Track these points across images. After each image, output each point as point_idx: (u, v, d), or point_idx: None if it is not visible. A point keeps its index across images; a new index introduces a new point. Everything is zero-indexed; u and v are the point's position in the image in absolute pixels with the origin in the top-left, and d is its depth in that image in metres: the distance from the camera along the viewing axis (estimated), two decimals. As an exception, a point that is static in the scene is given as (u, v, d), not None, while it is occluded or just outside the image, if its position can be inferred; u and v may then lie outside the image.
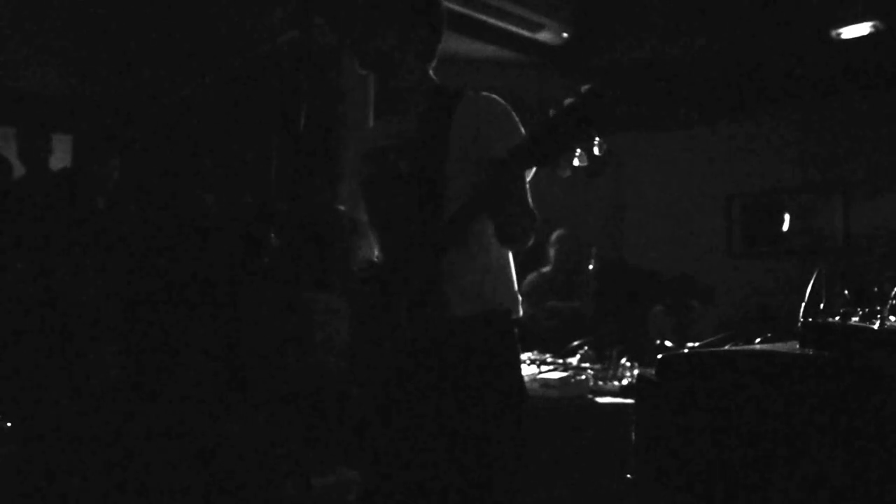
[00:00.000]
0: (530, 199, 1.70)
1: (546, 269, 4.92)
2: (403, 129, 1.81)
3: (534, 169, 1.61)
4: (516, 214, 1.62)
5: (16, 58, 4.30)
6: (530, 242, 1.73)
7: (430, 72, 1.86)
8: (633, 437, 1.89)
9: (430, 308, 1.64)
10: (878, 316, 1.60)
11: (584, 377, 3.23)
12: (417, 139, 1.76)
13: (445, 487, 1.70)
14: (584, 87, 1.38)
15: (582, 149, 1.40)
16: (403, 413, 1.74)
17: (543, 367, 3.42)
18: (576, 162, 1.41)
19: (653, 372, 1.83)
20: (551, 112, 1.41)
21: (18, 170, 3.90)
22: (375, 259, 1.90)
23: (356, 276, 1.85)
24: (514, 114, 1.75)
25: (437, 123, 1.74)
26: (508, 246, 1.78)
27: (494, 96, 1.78)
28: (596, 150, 1.39)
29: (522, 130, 1.71)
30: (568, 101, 1.39)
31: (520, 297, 1.84)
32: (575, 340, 3.82)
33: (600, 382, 3.22)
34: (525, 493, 1.77)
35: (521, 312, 1.83)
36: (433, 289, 1.64)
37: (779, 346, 1.73)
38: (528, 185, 1.70)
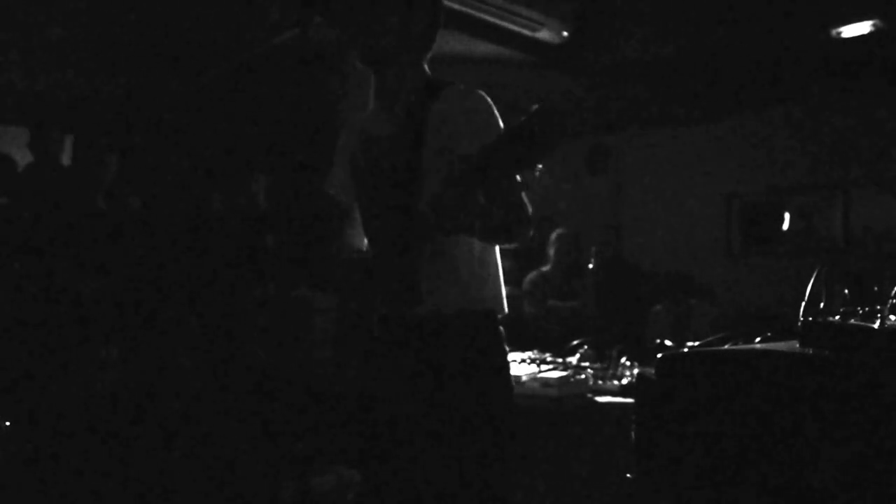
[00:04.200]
0: (523, 195, 1.63)
1: (546, 268, 4.92)
2: (391, 120, 1.81)
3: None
4: (493, 212, 1.53)
5: (16, 57, 4.29)
6: (523, 238, 1.67)
7: (425, 65, 1.86)
8: (633, 436, 1.88)
9: (403, 304, 1.63)
10: (878, 315, 1.59)
11: (583, 376, 3.23)
12: (398, 131, 1.76)
13: (442, 487, 1.70)
14: (534, 107, 1.34)
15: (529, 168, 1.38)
16: (392, 410, 1.73)
17: (543, 366, 3.42)
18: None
19: (652, 371, 1.82)
20: (500, 133, 1.39)
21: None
22: (364, 248, 1.90)
23: (343, 266, 1.85)
24: (493, 108, 1.72)
25: (417, 117, 1.74)
26: (492, 243, 1.74)
27: (477, 91, 1.76)
28: (536, 173, 1.38)
29: (501, 125, 1.68)
30: (521, 119, 1.35)
31: (504, 296, 1.82)
32: (575, 339, 3.82)
33: (600, 381, 3.22)
34: (524, 493, 1.77)
35: (506, 310, 1.81)
36: (408, 285, 1.62)
37: (779, 346, 1.73)
38: (518, 180, 1.66)
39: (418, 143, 1.70)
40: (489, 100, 1.74)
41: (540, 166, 1.38)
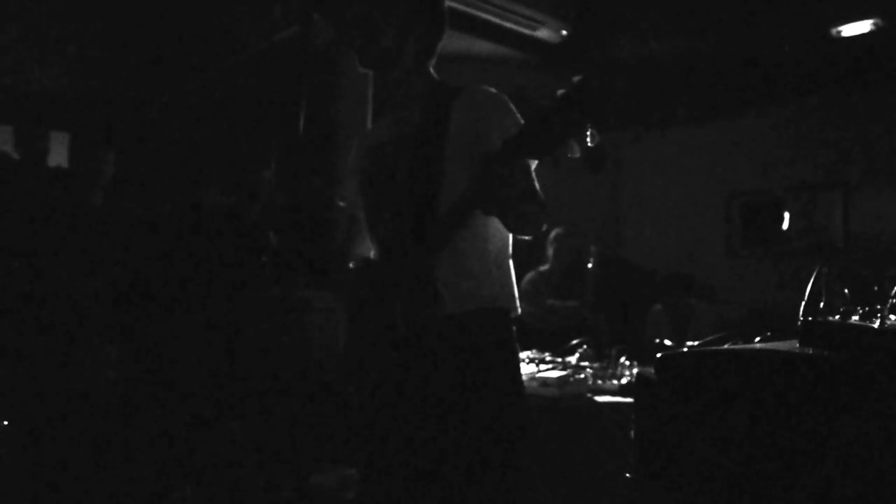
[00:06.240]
0: (538, 187, 1.68)
1: (545, 267, 4.91)
2: (403, 125, 1.80)
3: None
4: (520, 203, 1.59)
5: (14, 55, 4.29)
6: (542, 229, 1.71)
7: (431, 69, 1.86)
8: (633, 436, 1.88)
9: (422, 306, 1.63)
10: (878, 315, 1.59)
11: (583, 376, 3.22)
12: (416, 135, 1.75)
13: (444, 487, 1.69)
14: (576, 78, 1.37)
15: (575, 139, 1.38)
16: (400, 411, 1.73)
17: (542, 366, 3.42)
18: (575, 153, 1.40)
19: (652, 371, 1.82)
20: (544, 103, 1.39)
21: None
22: (371, 256, 1.90)
23: (351, 272, 1.84)
24: (513, 106, 1.73)
25: (436, 119, 1.73)
26: (516, 234, 1.76)
27: (493, 90, 1.77)
28: (589, 141, 1.37)
29: (522, 123, 1.69)
30: (560, 91, 1.38)
31: (517, 296, 1.83)
32: (574, 339, 3.82)
33: (599, 381, 3.22)
34: (524, 493, 1.76)
35: (519, 311, 1.82)
36: (426, 286, 1.63)
37: (778, 346, 1.73)
38: (534, 174, 1.68)
39: (439, 144, 1.70)
40: (510, 102, 1.74)
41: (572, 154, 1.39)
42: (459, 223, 1.61)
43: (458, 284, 1.70)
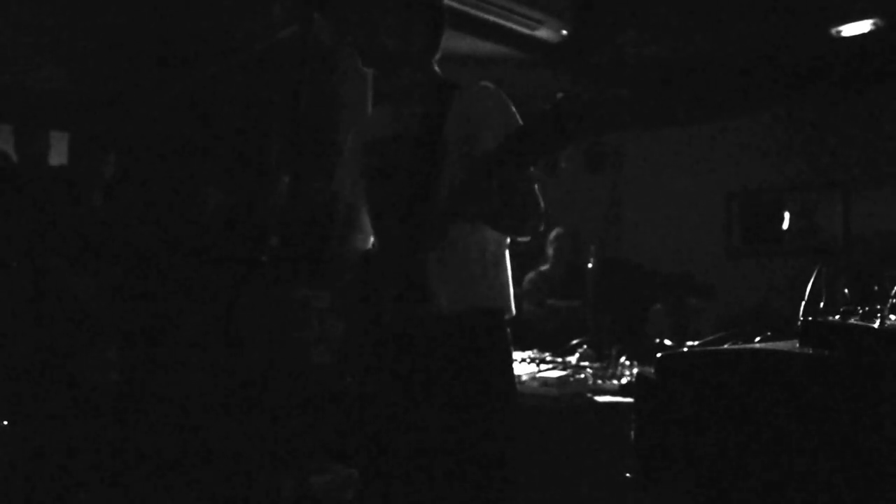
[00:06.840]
0: (536, 188, 1.68)
1: (545, 267, 4.92)
2: (405, 120, 1.80)
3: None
4: (513, 205, 1.59)
5: (14, 55, 4.28)
6: (534, 230, 1.71)
7: (435, 66, 1.85)
8: (632, 436, 1.88)
9: (414, 303, 1.63)
10: (879, 315, 1.59)
11: (583, 376, 3.23)
12: (416, 131, 1.75)
13: (441, 486, 1.69)
14: (559, 95, 1.37)
15: (550, 156, 1.39)
16: (396, 411, 1.73)
17: (542, 366, 3.42)
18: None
19: (652, 370, 1.82)
20: (527, 120, 1.40)
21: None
22: (370, 247, 1.90)
23: (347, 267, 1.85)
24: (510, 104, 1.73)
25: (435, 116, 1.73)
26: (507, 235, 1.76)
27: (491, 86, 1.76)
28: (562, 162, 1.39)
29: (520, 121, 1.69)
30: (545, 107, 1.38)
31: (513, 297, 1.83)
32: (574, 339, 3.82)
33: (599, 381, 3.22)
34: (522, 492, 1.76)
35: (514, 312, 1.82)
36: (418, 283, 1.63)
37: (778, 345, 1.72)
38: (531, 172, 1.68)
39: (437, 141, 1.70)
40: (507, 98, 1.74)
41: (563, 164, 1.40)
42: (449, 222, 1.61)
43: (454, 283, 1.70)
